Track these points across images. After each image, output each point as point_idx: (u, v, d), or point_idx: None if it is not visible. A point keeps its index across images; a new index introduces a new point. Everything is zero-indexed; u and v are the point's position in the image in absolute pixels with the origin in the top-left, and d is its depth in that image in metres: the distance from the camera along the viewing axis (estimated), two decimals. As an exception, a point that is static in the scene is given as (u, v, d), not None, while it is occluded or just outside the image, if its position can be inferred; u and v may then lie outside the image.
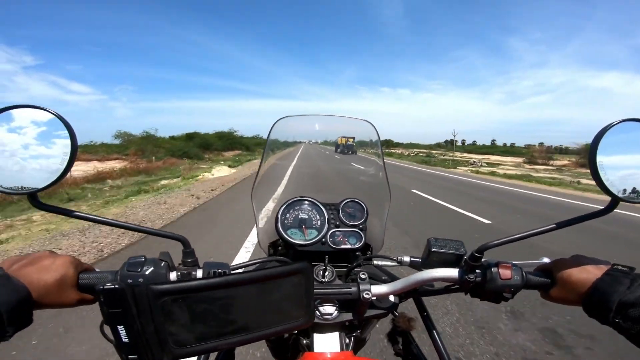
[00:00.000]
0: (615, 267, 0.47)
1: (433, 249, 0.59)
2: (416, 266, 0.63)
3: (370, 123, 0.86)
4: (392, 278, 0.65)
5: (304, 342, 0.60)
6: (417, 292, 0.65)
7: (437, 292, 0.64)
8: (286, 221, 0.76)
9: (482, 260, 0.54)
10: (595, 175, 0.45)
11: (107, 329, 0.39)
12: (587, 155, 0.45)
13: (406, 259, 0.64)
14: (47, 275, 0.45)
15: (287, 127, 0.84)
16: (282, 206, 0.77)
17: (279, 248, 0.80)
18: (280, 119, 0.83)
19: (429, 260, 0.60)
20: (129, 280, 0.47)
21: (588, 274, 0.48)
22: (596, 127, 0.45)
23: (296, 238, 0.73)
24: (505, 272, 0.52)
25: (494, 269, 0.53)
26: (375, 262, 0.69)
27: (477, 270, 0.54)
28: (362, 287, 0.56)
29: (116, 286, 0.36)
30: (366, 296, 0.55)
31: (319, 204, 0.78)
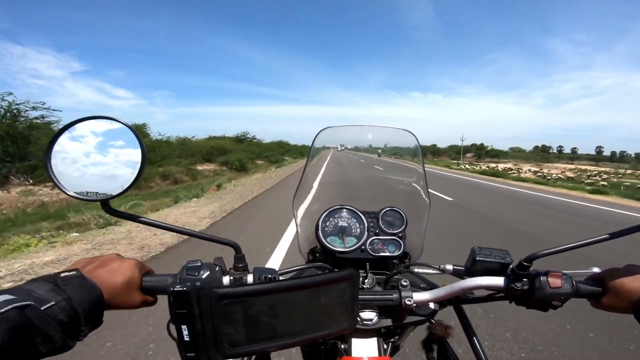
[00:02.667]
0: None
1: (478, 258, 0.59)
2: (459, 274, 0.63)
3: (411, 132, 0.87)
4: (431, 286, 0.66)
5: (342, 346, 0.61)
6: (459, 300, 0.65)
7: (480, 299, 0.63)
8: (326, 229, 0.78)
9: (530, 269, 0.54)
10: None
11: (172, 329, 0.41)
12: None
13: (449, 267, 0.64)
14: (117, 277, 0.47)
15: (329, 137, 0.87)
16: (322, 214, 0.79)
17: (317, 255, 0.82)
18: (322, 130, 0.85)
19: (473, 268, 0.60)
20: (188, 283, 0.51)
21: None
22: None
23: (336, 245, 0.75)
24: (555, 281, 0.53)
25: (542, 278, 0.53)
26: (415, 270, 0.69)
27: (524, 279, 0.54)
28: (403, 293, 0.56)
29: (184, 289, 0.40)
30: (407, 302, 0.55)
31: (358, 212, 0.80)
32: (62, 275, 0.42)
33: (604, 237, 0.51)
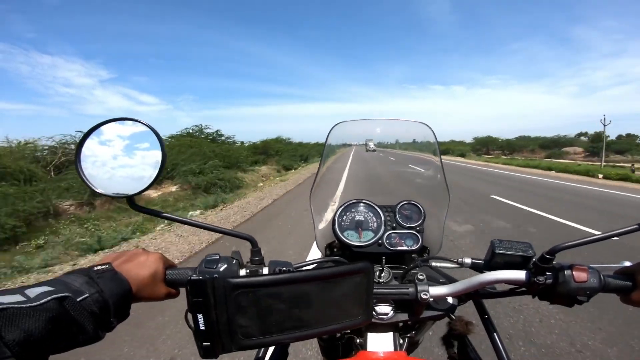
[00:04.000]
0: None
1: (497, 251, 0.57)
2: (478, 268, 0.62)
3: (427, 125, 0.86)
4: (450, 280, 0.64)
5: (358, 341, 0.61)
6: (478, 295, 0.63)
7: (501, 294, 0.61)
8: (343, 223, 0.78)
9: (554, 262, 0.52)
10: None
11: (190, 318, 0.43)
12: None
13: (467, 260, 0.62)
14: (143, 270, 0.49)
15: (344, 132, 0.87)
16: (339, 208, 0.79)
17: (335, 249, 0.83)
18: (336, 124, 0.85)
19: (493, 262, 0.58)
20: (207, 276, 0.53)
21: None
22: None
23: (353, 239, 0.75)
24: (580, 275, 0.50)
25: (567, 272, 0.51)
26: (433, 264, 0.68)
27: (547, 273, 0.52)
28: (419, 287, 0.56)
29: (200, 277, 0.41)
30: (424, 297, 0.55)
31: (375, 206, 0.80)
32: (95, 268, 0.44)
33: (634, 227, 0.48)
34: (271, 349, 0.70)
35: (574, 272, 0.51)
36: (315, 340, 0.78)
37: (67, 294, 0.38)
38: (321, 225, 0.86)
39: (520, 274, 0.53)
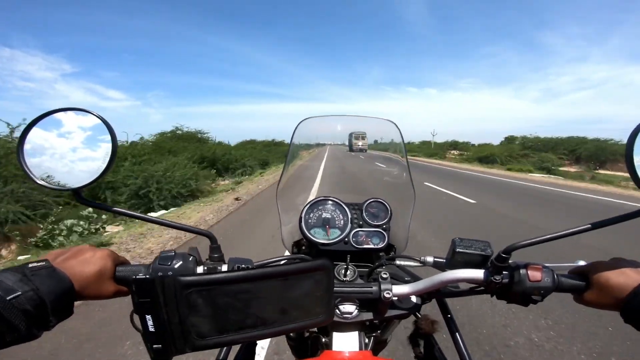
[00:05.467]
0: None
1: (458, 249, 0.57)
2: (440, 267, 0.62)
3: (394, 123, 0.86)
4: (416, 279, 0.65)
5: (323, 340, 0.61)
6: (441, 293, 0.63)
7: (461, 293, 0.62)
8: (310, 220, 0.77)
9: (510, 261, 0.52)
10: (633, 173, 0.43)
11: (137, 319, 0.41)
12: (625, 153, 0.43)
13: (429, 259, 0.62)
14: (88, 267, 0.47)
15: (311, 129, 0.86)
16: (306, 206, 0.78)
17: (303, 247, 0.82)
18: (303, 120, 0.84)
19: (454, 260, 0.58)
20: (160, 273, 0.50)
21: (627, 278, 0.46)
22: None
23: (319, 237, 0.74)
24: (534, 274, 0.51)
25: (522, 271, 0.51)
26: (399, 263, 0.68)
27: (504, 272, 0.52)
28: (383, 286, 0.56)
29: (147, 277, 0.39)
30: (387, 295, 0.54)
31: (342, 203, 0.79)
32: (30, 266, 0.42)
33: (586, 227, 0.49)
34: (236, 349, 0.68)
35: (528, 272, 0.51)
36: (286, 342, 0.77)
37: None
38: (288, 223, 0.84)
39: (478, 273, 0.54)
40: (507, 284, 0.52)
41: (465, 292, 0.61)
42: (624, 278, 0.46)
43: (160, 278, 0.39)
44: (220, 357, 0.66)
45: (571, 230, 0.50)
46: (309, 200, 0.80)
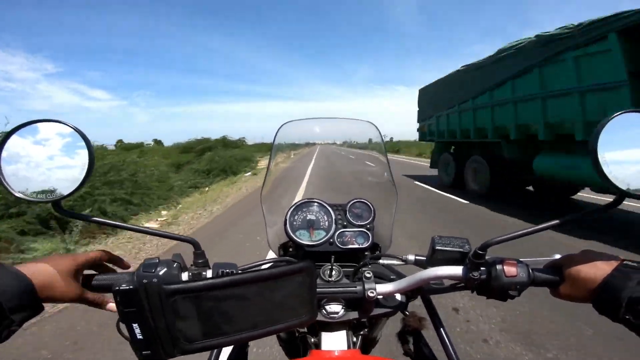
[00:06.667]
0: (625, 262, 0.47)
1: (437, 247, 0.59)
2: (421, 264, 0.64)
3: (373, 124, 0.88)
4: (401, 277, 0.66)
5: (312, 340, 0.62)
6: (424, 291, 0.65)
7: (444, 290, 0.64)
8: (295, 222, 0.78)
9: (487, 257, 0.54)
10: (598, 169, 0.44)
11: (123, 327, 0.41)
12: (589, 148, 0.44)
13: (411, 257, 0.64)
14: (49, 267, 0.46)
15: (292, 131, 0.87)
16: (290, 208, 0.79)
17: (289, 250, 0.82)
18: (284, 124, 0.86)
19: (434, 258, 0.60)
20: (144, 281, 0.50)
21: (597, 270, 0.47)
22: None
23: (304, 239, 0.75)
24: (510, 270, 0.51)
25: (498, 267, 0.52)
26: (383, 262, 0.69)
27: (481, 268, 0.53)
28: (367, 285, 0.57)
29: (130, 287, 0.40)
30: (370, 294, 0.56)
31: (326, 205, 0.80)
32: None
33: (555, 222, 0.50)
34: (227, 351, 0.69)
35: (504, 267, 0.52)
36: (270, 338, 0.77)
37: None
38: (273, 226, 0.85)
39: (457, 270, 0.55)
40: (485, 279, 0.53)
41: (447, 288, 0.63)
42: (594, 270, 0.47)
43: (144, 287, 0.40)
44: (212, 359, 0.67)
45: (542, 226, 0.51)
46: (293, 202, 0.81)
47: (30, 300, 0.43)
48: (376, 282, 0.58)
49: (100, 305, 0.52)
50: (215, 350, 0.67)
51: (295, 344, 0.73)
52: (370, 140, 0.95)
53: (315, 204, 0.80)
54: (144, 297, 0.40)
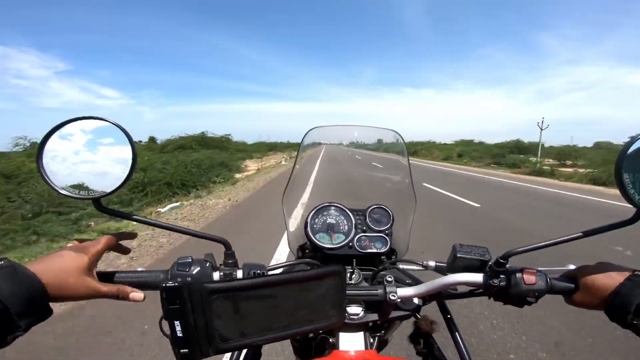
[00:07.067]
0: (636, 273, 0.50)
1: (458, 255, 0.61)
2: (441, 271, 0.65)
3: (397, 132, 0.90)
4: (416, 281, 0.68)
5: (331, 340, 0.63)
6: (441, 296, 0.67)
7: (461, 295, 0.66)
8: (315, 225, 0.79)
9: (507, 266, 0.56)
10: (621, 185, 0.46)
11: (165, 326, 0.43)
12: (615, 165, 0.47)
13: (431, 263, 0.66)
14: (62, 264, 0.44)
15: (317, 137, 0.89)
16: (311, 211, 0.81)
17: (307, 251, 0.84)
18: (310, 130, 0.88)
19: (454, 265, 0.62)
20: (179, 279, 0.52)
21: (611, 279, 0.50)
22: (635, 126, 0.40)
23: (324, 242, 0.77)
24: (529, 278, 0.55)
25: (518, 275, 0.55)
26: (400, 266, 0.71)
27: (501, 276, 0.56)
28: (388, 289, 0.58)
29: (176, 284, 0.41)
30: (392, 298, 0.57)
31: (346, 209, 0.82)
32: None
33: (578, 235, 0.53)
34: (244, 351, 0.70)
35: (524, 275, 0.55)
36: (288, 342, 0.79)
37: None
38: (293, 228, 0.87)
39: (478, 277, 0.57)
40: (504, 287, 0.56)
41: (465, 294, 0.65)
42: (608, 279, 0.50)
43: (188, 285, 0.41)
44: (233, 359, 0.68)
45: (564, 238, 0.54)
46: (314, 206, 0.82)
47: (39, 304, 0.41)
48: (396, 286, 0.60)
49: (120, 296, 0.50)
50: (238, 351, 0.68)
51: (308, 344, 0.75)
52: (394, 147, 0.97)
53: (335, 207, 0.82)
54: (187, 295, 0.41)
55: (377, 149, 1.11)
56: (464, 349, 0.65)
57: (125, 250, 0.57)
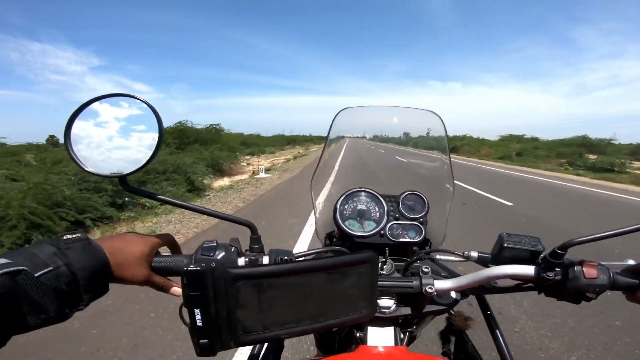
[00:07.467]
0: None
1: (506, 245, 0.55)
2: (484, 262, 0.60)
3: (436, 114, 0.83)
4: (452, 274, 0.63)
5: (358, 335, 0.60)
6: (483, 289, 0.62)
7: (506, 289, 0.60)
8: (344, 212, 0.76)
9: (564, 258, 0.51)
10: None
11: (185, 314, 0.40)
12: None
13: (474, 254, 0.60)
14: (128, 248, 0.45)
15: (348, 120, 0.84)
16: (340, 197, 0.77)
17: (334, 239, 0.81)
18: (341, 110, 0.83)
19: (500, 256, 0.56)
20: (203, 264, 0.50)
21: None
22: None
23: (354, 229, 0.73)
24: (590, 271, 0.49)
25: (577, 267, 0.50)
26: (438, 257, 0.66)
27: (556, 269, 0.51)
28: (424, 280, 0.54)
29: (198, 268, 0.38)
30: (429, 290, 0.53)
31: (378, 195, 0.77)
32: (65, 237, 0.40)
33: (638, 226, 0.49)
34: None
35: (584, 268, 0.50)
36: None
37: (21, 267, 0.33)
38: (321, 214, 0.84)
39: (529, 269, 0.52)
40: (559, 280, 0.51)
41: (511, 288, 0.59)
42: None
43: (210, 269, 0.39)
44: (254, 352, 0.65)
45: (626, 229, 0.49)
46: (343, 191, 0.78)
47: (102, 280, 0.42)
48: (433, 278, 0.56)
49: (165, 289, 0.51)
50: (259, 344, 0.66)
51: (332, 338, 0.72)
52: (433, 132, 0.90)
53: (366, 193, 0.78)
54: (210, 281, 0.38)
55: (406, 143, 1.04)
56: (505, 348, 0.60)
57: (178, 250, 0.58)
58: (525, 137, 33.63)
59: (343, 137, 0.93)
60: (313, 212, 0.83)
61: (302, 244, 3.59)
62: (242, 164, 15.93)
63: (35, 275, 0.34)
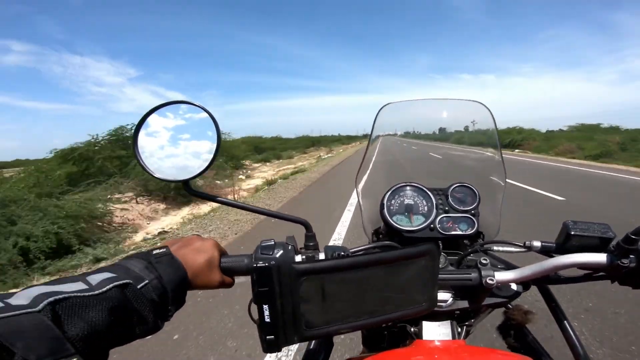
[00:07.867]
0: None
1: (572, 232, 0.52)
2: (547, 252, 0.57)
3: (483, 104, 0.80)
4: (509, 266, 0.60)
5: (412, 330, 0.59)
6: (548, 280, 0.59)
7: (574, 279, 0.57)
8: (391, 207, 0.75)
9: (639, 244, 0.47)
10: None
11: (254, 310, 0.42)
12: None
13: (536, 243, 0.57)
14: (199, 256, 0.46)
15: (390, 115, 0.83)
16: (387, 192, 0.76)
17: (381, 235, 0.80)
18: (384, 106, 0.82)
19: (567, 245, 0.54)
20: (266, 263, 0.51)
21: None
22: None
23: (403, 224, 0.72)
24: None
25: None
26: (495, 248, 0.64)
27: (631, 255, 0.47)
28: (484, 272, 0.52)
29: (267, 264, 0.40)
30: (489, 282, 0.51)
31: (425, 189, 0.76)
32: (154, 252, 0.42)
33: None
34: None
35: None
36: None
37: (128, 280, 0.35)
38: (367, 211, 0.84)
39: (600, 257, 0.48)
40: (634, 268, 0.47)
41: (579, 278, 0.56)
42: None
43: (277, 266, 0.40)
44: (310, 348, 0.66)
45: None
46: (390, 186, 0.78)
47: (183, 291, 0.43)
48: (493, 270, 0.54)
49: (232, 287, 0.52)
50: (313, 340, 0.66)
51: (380, 332, 0.71)
52: (480, 125, 0.87)
53: (412, 188, 0.77)
54: (276, 277, 0.40)
55: (449, 138, 1.01)
56: (575, 340, 0.56)
57: (223, 250, 0.59)
58: (602, 126, 25.48)
59: (381, 135, 0.92)
60: (359, 208, 0.83)
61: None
62: (241, 176, 13.37)
63: (138, 287, 0.36)
